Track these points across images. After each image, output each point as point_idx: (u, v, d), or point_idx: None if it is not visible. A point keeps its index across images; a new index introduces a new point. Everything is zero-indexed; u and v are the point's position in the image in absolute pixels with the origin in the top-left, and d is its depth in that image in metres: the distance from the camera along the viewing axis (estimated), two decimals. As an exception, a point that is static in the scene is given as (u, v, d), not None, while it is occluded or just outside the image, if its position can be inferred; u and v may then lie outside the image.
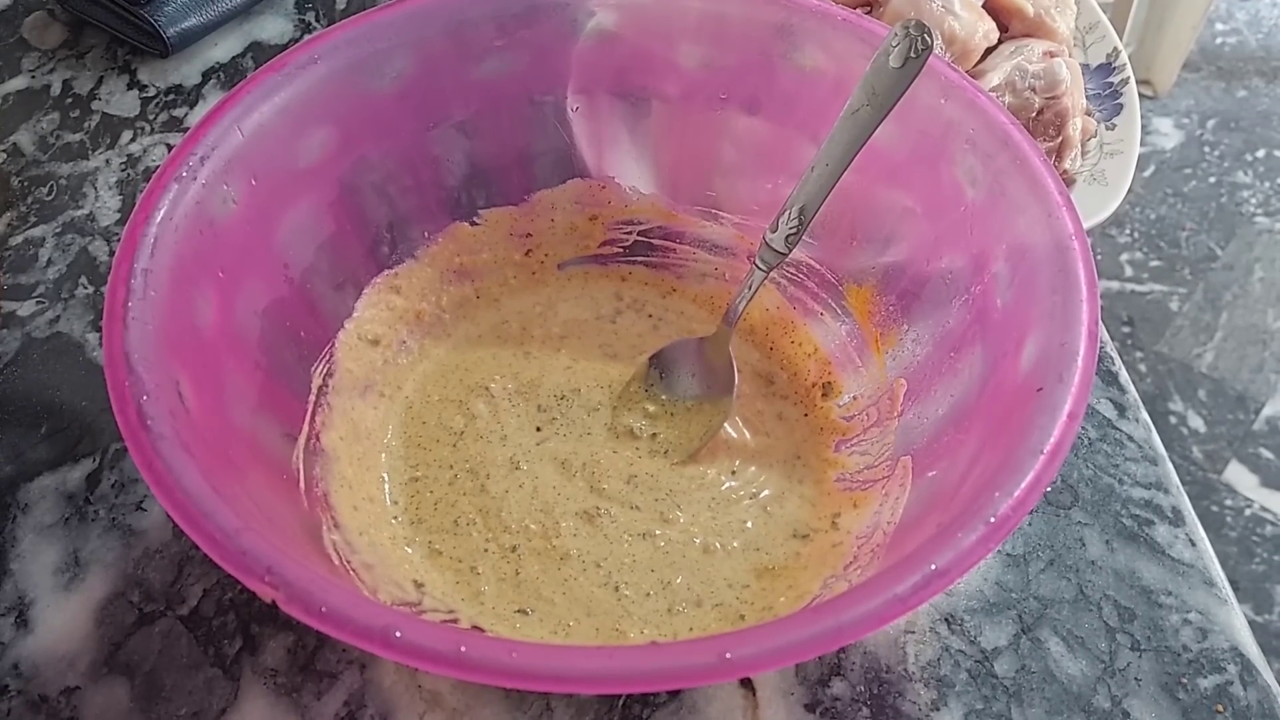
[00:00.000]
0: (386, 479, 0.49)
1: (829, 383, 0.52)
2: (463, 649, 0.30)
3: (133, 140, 0.63)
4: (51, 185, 0.61)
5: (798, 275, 0.53)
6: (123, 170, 0.62)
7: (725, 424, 0.50)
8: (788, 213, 0.47)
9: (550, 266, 0.56)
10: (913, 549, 0.33)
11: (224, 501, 0.33)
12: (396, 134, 0.49)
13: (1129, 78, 0.65)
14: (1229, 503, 1.34)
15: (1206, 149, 1.75)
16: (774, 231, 0.48)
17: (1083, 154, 0.61)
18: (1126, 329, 1.51)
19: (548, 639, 0.44)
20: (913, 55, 0.44)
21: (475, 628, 0.43)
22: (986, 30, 0.60)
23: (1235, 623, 0.46)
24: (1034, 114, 0.60)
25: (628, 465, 0.49)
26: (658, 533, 0.47)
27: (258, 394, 0.43)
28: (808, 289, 0.53)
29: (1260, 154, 1.75)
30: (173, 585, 0.46)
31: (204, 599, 0.45)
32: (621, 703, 0.43)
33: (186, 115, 0.65)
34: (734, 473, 0.49)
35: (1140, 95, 0.64)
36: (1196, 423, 1.42)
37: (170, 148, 0.63)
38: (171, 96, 0.66)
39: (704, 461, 0.50)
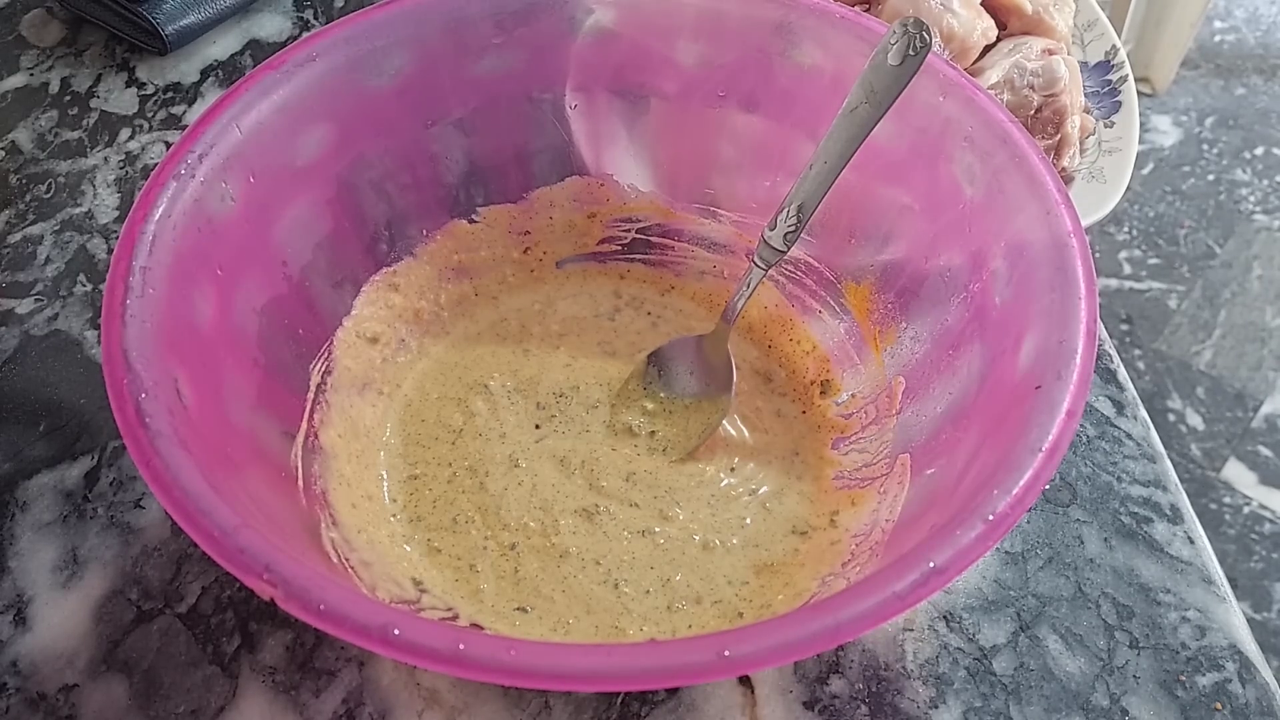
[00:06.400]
0: (385, 477, 0.49)
1: (827, 380, 0.52)
2: (461, 646, 0.30)
3: (131, 138, 0.63)
4: (50, 183, 0.61)
5: (796, 273, 0.53)
6: (121, 168, 0.62)
7: (724, 421, 0.51)
8: (786, 210, 0.47)
9: (549, 264, 0.56)
10: (911, 547, 0.33)
11: (222, 499, 0.33)
12: (395, 131, 0.49)
13: (1127, 75, 0.65)
14: (1227, 500, 1.34)
15: (1205, 146, 1.75)
16: (772, 229, 0.48)
17: (1081, 152, 0.61)
18: (1125, 327, 1.51)
19: (547, 636, 0.44)
20: (911, 53, 0.44)
21: (474, 625, 0.43)
22: (985, 28, 0.60)
23: (1234, 620, 0.46)
24: (1032, 112, 0.60)
25: (626, 463, 0.49)
26: (657, 530, 0.47)
27: (256, 392, 0.43)
28: (806, 287, 0.53)
29: (1259, 151, 1.75)
30: (171, 583, 0.46)
31: (202, 597, 0.45)
32: (620, 700, 0.43)
33: (185, 113, 0.65)
34: (733, 470, 0.49)
35: (1139, 93, 0.64)
36: (1195, 420, 1.42)
37: (169, 145, 0.63)
38: (170, 94, 0.66)
39: (703, 459, 0.50)
